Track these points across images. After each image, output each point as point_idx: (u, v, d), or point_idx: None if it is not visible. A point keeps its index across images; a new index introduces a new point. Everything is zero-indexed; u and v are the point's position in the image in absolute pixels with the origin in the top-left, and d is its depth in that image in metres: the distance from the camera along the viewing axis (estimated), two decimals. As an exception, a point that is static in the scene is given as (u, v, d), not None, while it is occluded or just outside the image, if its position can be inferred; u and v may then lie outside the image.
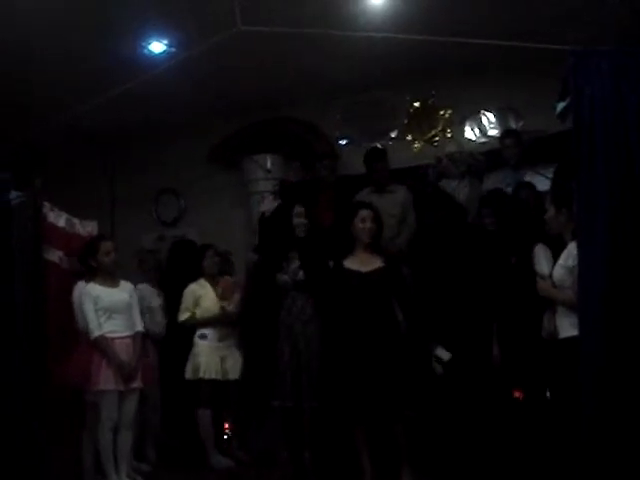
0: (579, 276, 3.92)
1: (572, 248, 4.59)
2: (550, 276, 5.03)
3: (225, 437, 6.44)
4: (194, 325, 6.33)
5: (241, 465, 6.15)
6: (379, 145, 7.35)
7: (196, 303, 6.35)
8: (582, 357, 3.81)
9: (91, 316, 5.51)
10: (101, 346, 5.46)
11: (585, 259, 3.86)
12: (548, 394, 5.43)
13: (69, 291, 5.71)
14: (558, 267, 4.89)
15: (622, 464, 3.57)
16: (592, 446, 3.66)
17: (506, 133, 7.07)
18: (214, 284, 6.43)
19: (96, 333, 5.47)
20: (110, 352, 5.45)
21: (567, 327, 4.68)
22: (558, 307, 4.91)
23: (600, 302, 3.71)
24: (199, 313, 6.33)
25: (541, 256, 5.50)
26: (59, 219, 5.96)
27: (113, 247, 5.77)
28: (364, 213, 5.60)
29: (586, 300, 3.90)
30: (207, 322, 6.31)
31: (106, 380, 5.44)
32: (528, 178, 6.57)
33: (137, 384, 5.59)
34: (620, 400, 3.58)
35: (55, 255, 5.83)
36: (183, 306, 6.35)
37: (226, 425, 6.46)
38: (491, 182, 6.82)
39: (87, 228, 6.29)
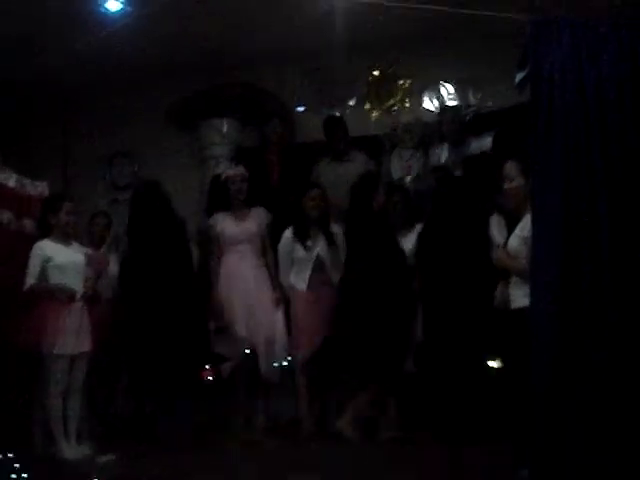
0: (532, 246, 3.95)
1: (529, 219, 4.62)
2: (505, 246, 5.07)
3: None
4: None
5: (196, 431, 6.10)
6: (337, 113, 7.34)
7: None
8: (532, 327, 3.84)
9: (31, 269, 5.41)
10: (37, 292, 5.38)
11: (539, 231, 3.88)
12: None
13: (18, 252, 5.59)
14: (514, 237, 4.91)
15: (572, 435, 3.62)
16: (543, 416, 3.71)
17: (444, 109, 7.11)
18: None
19: (31, 281, 5.38)
20: (50, 287, 5.39)
21: (520, 298, 4.72)
22: (512, 277, 4.96)
23: (552, 273, 3.74)
24: None
25: (495, 226, 5.58)
26: (9, 179, 5.85)
27: (74, 208, 5.68)
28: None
29: (538, 270, 3.93)
30: None
31: (59, 344, 5.36)
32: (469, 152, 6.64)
33: (87, 347, 5.53)
34: (570, 371, 3.62)
35: (4, 216, 5.72)
36: None
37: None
38: (435, 157, 6.87)
39: (38, 189, 6.17)
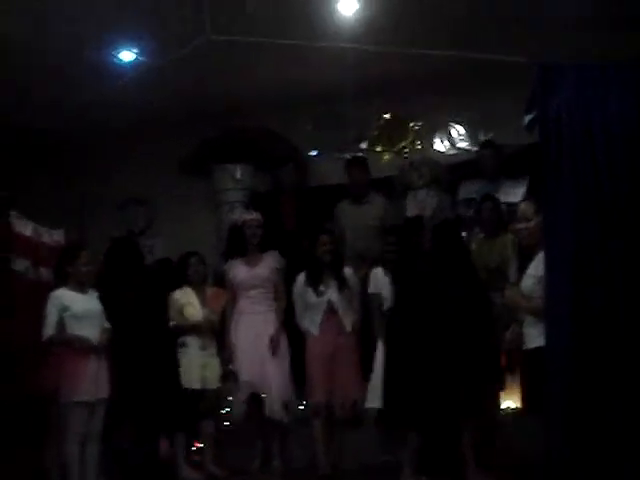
0: (545, 284, 3.95)
1: (541, 258, 4.63)
2: (518, 285, 5.08)
3: (196, 449, 6.38)
4: (177, 333, 6.24)
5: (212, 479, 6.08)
6: (348, 156, 7.39)
7: (180, 311, 6.27)
8: (548, 367, 3.83)
9: (49, 318, 5.42)
10: (56, 343, 5.39)
11: (552, 270, 3.89)
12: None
13: (37, 301, 5.63)
14: (527, 276, 4.92)
15: (589, 470, 3.59)
16: (561, 458, 3.68)
17: (485, 144, 7.12)
18: (198, 292, 6.37)
19: (49, 332, 5.39)
20: (68, 338, 5.40)
21: (535, 337, 4.71)
22: (526, 317, 4.96)
23: (566, 312, 3.74)
24: (182, 321, 6.25)
25: (511, 265, 5.59)
26: (26, 228, 5.91)
27: (91, 257, 5.73)
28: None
29: (552, 309, 3.93)
30: (191, 331, 6.23)
31: (78, 391, 5.37)
32: (504, 190, 6.63)
33: (105, 394, 5.54)
34: (588, 408, 3.61)
35: (22, 265, 5.78)
36: (170, 314, 6.25)
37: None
38: (465, 192, 6.88)
39: (54, 237, 6.24)
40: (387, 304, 5.95)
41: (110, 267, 6.26)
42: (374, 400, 5.81)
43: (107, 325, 5.64)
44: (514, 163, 6.85)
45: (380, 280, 6.02)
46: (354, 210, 6.92)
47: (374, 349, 5.96)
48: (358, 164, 7.10)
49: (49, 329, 5.42)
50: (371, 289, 6.07)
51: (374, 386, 5.83)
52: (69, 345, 5.42)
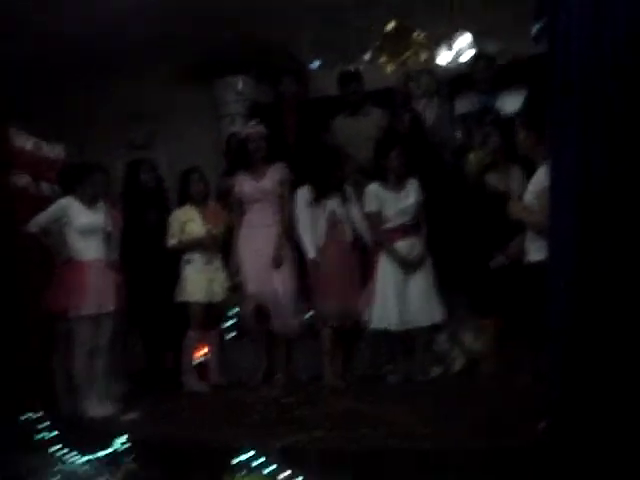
0: (549, 202, 3.92)
1: (542, 172, 4.60)
2: (521, 198, 5.07)
3: (201, 361, 6.48)
4: (181, 250, 6.28)
5: (217, 389, 6.19)
6: (352, 67, 7.27)
7: (182, 228, 6.29)
8: (548, 282, 3.84)
9: (43, 214, 5.47)
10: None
11: (555, 187, 3.85)
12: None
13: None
14: (529, 190, 4.91)
15: (588, 396, 3.63)
16: (560, 372, 3.72)
17: (477, 57, 6.99)
18: (200, 209, 6.38)
19: (33, 229, 5.43)
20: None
21: (535, 251, 4.73)
22: (528, 231, 4.96)
23: (569, 228, 3.72)
24: (185, 238, 6.28)
25: (515, 177, 5.58)
26: (26, 143, 5.87)
27: (104, 179, 5.72)
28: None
29: (555, 224, 3.91)
30: (194, 246, 6.26)
31: (83, 305, 5.43)
32: (498, 102, 6.54)
33: (111, 307, 5.59)
34: (587, 325, 3.62)
35: (23, 180, 5.76)
36: (170, 232, 6.26)
37: (204, 349, 6.48)
38: (462, 105, 6.79)
39: (55, 151, 6.20)
40: (391, 223, 6.00)
41: (130, 188, 6.51)
42: (380, 320, 5.91)
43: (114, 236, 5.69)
44: (510, 73, 6.74)
45: (381, 197, 6.03)
46: (350, 123, 6.83)
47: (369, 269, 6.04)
48: (350, 77, 6.99)
49: (33, 225, 5.45)
50: (369, 207, 6.07)
51: (379, 306, 5.92)
52: (46, 249, 5.48)
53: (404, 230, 6.01)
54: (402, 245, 5.98)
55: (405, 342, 6.02)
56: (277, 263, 6.16)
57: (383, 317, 5.90)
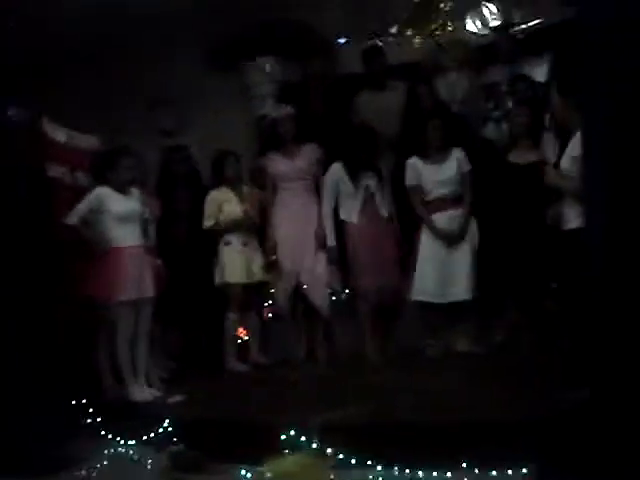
0: (583, 167, 3.89)
1: (578, 138, 4.54)
2: (557, 165, 5.02)
3: (242, 341, 6.53)
4: (218, 231, 6.33)
5: (258, 369, 6.24)
6: (379, 42, 7.22)
7: (219, 209, 6.33)
8: (586, 248, 3.81)
9: (78, 207, 5.52)
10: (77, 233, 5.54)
11: (589, 152, 3.81)
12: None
13: (74, 207, 5.69)
14: (566, 157, 4.86)
15: (627, 357, 3.60)
16: (598, 334, 3.69)
17: (500, 28, 6.92)
18: (235, 191, 6.41)
19: (73, 220, 5.48)
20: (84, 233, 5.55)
21: (573, 218, 4.68)
22: (565, 197, 4.92)
23: (604, 195, 3.68)
24: (223, 219, 6.32)
25: (550, 145, 5.53)
26: (59, 134, 5.92)
27: (134, 163, 5.75)
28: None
29: (590, 191, 3.87)
30: (231, 227, 6.31)
31: (123, 291, 5.49)
32: (527, 70, 6.47)
33: (151, 293, 5.65)
34: (624, 293, 3.59)
35: (58, 171, 5.82)
36: (207, 213, 6.32)
37: (243, 330, 6.53)
38: (490, 76, 6.73)
39: (89, 141, 6.26)
40: (431, 195, 5.96)
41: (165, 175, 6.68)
42: (420, 292, 5.92)
43: (151, 222, 5.75)
44: (536, 41, 6.65)
45: (419, 170, 5.99)
46: (373, 98, 6.80)
47: (412, 242, 6.03)
48: (373, 52, 6.95)
49: (72, 217, 5.51)
50: (409, 181, 6.04)
51: (420, 278, 5.91)
52: (86, 240, 5.53)
53: (444, 202, 5.99)
54: (441, 217, 5.96)
55: (445, 315, 6.01)
56: (320, 241, 6.17)
57: (423, 289, 5.90)
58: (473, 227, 5.97)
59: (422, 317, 6.16)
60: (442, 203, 5.99)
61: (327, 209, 6.20)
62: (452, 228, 5.93)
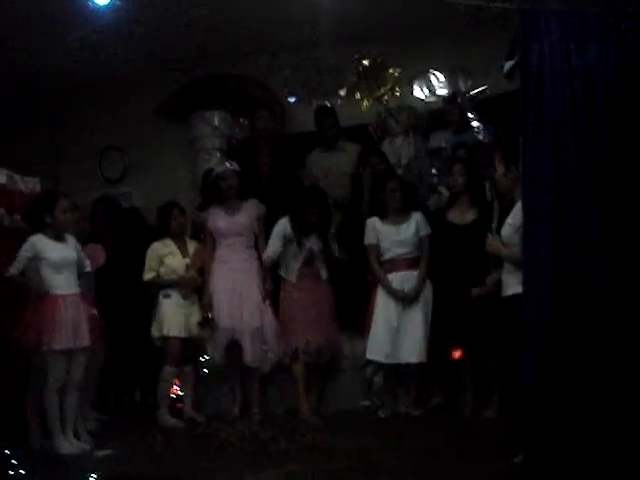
0: (523, 234, 3.97)
1: (520, 206, 4.64)
2: (498, 233, 5.11)
3: (176, 396, 6.42)
4: (158, 284, 6.27)
5: (191, 424, 6.11)
6: (328, 103, 7.34)
7: (160, 262, 6.27)
8: (525, 315, 3.87)
9: (17, 260, 5.38)
10: (16, 283, 5.43)
11: (529, 220, 3.90)
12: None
13: (13, 248, 5.57)
14: (507, 225, 4.95)
15: (564, 424, 3.64)
16: (533, 404, 3.73)
17: (447, 98, 7.11)
18: (178, 243, 6.36)
19: (12, 272, 5.36)
20: (22, 281, 5.43)
21: (513, 285, 4.75)
22: (505, 264, 5.00)
23: (544, 262, 3.76)
24: (164, 272, 6.26)
25: (494, 214, 5.63)
26: (0, 176, 5.82)
27: (70, 206, 5.66)
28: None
29: (530, 258, 3.95)
30: (172, 282, 6.25)
31: (57, 339, 5.36)
32: (471, 137, 6.64)
33: (86, 342, 5.52)
34: (561, 360, 3.65)
35: (-4, 213, 5.71)
36: (147, 266, 6.26)
37: (176, 384, 6.43)
38: (435, 141, 6.89)
39: (29, 185, 6.16)
40: (387, 254, 6.01)
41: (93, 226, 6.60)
42: (375, 352, 5.94)
43: (88, 270, 5.65)
44: (485, 110, 6.84)
45: (378, 229, 6.06)
46: (325, 158, 6.91)
47: (368, 301, 6.07)
48: (325, 113, 7.06)
49: (13, 269, 5.38)
50: (369, 239, 6.09)
51: (372, 338, 5.93)
52: (27, 289, 5.41)
53: (400, 263, 6.03)
54: (396, 277, 5.99)
55: (395, 377, 6.02)
56: (268, 294, 6.20)
57: (377, 349, 5.90)
58: (428, 289, 6.00)
59: (369, 378, 6.16)
60: (398, 263, 6.03)
61: (271, 253, 6.19)
62: (406, 289, 5.96)
